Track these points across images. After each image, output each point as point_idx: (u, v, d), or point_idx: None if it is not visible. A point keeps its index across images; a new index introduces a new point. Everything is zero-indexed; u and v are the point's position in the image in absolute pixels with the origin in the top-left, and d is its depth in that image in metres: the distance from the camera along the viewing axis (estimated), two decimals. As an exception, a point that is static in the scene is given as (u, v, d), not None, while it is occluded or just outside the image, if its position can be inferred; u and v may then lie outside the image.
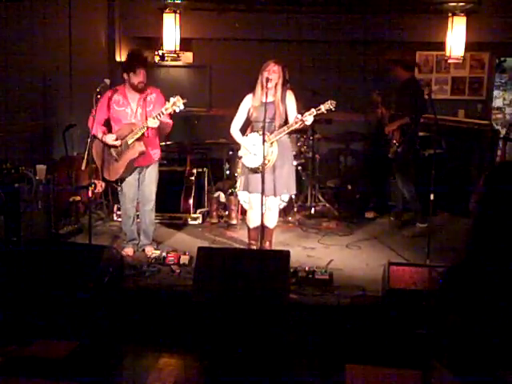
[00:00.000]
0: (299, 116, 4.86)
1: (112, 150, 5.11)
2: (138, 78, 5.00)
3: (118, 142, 5.04)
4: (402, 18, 7.64)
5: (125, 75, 5.05)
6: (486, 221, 1.86)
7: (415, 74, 6.21)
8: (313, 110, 4.81)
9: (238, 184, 5.32)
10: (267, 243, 5.19)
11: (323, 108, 4.80)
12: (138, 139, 4.99)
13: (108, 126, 5.19)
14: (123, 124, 5.07)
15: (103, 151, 5.14)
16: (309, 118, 4.82)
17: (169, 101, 4.85)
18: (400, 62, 6.12)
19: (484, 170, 6.72)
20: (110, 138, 5.05)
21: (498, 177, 1.89)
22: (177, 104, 4.82)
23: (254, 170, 4.95)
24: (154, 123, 4.89)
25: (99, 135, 5.05)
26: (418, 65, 6.09)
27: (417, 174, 6.14)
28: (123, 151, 5.06)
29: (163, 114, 4.87)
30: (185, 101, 4.85)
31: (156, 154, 5.24)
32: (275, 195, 5.04)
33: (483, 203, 1.90)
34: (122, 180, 5.21)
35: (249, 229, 5.25)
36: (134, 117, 5.08)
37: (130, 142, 5.00)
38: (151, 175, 5.24)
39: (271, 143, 4.86)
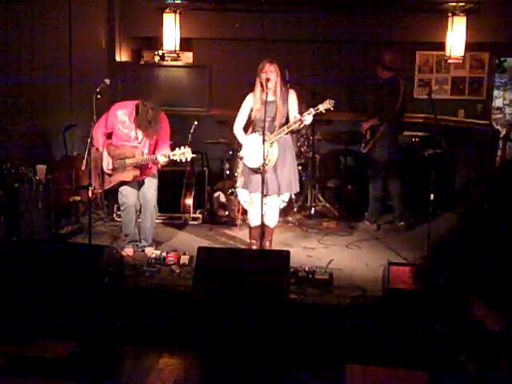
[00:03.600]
0: (298, 116, 4.87)
1: None
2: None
3: (109, 172, 5.07)
4: (402, 18, 7.64)
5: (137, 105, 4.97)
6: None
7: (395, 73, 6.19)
8: (311, 109, 4.83)
9: (238, 183, 5.33)
10: (267, 242, 5.20)
11: (321, 108, 4.81)
12: (136, 166, 5.01)
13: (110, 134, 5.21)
14: (127, 145, 5.05)
15: (100, 160, 5.12)
16: (308, 118, 4.83)
17: (179, 148, 4.92)
18: (379, 62, 6.14)
19: (486, 170, 6.74)
20: (107, 165, 5.06)
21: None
22: (185, 155, 4.90)
23: (255, 170, 4.96)
24: (163, 160, 4.95)
25: (100, 148, 5.08)
26: (396, 65, 6.06)
27: (405, 175, 6.22)
28: (118, 170, 5.07)
29: (169, 157, 4.91)
30: (194, 156, 4.99)
31: (152, 174, 5.23)
32: (278, 195, 5.06)
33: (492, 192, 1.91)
34: (114, 189, 5.24)
35: (250, 228, 5.26)
36: (138, 142, 5.07)
37: (127, 165, 5.01)
38: (151, 181, 5.24)
39: (271, 143, 4.87)
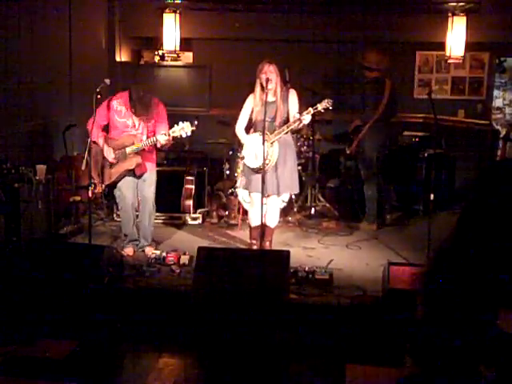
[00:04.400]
0: (297, 115, 4.87)
1: None
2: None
3: (114, 161, 5.08)
4: (402, 18, 7.64)
5: (130, 90, 5.06)
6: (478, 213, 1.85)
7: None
8: (310, 108, 4.83)
9: (238, 183, 5.33)
10: (267, 243, 5.20)
11: (320, 107, 4.82)
12: (137, 152, 5.03)
13: (106, 127, 5.22)
14: (125, 134, 5.09)
15: (100, 155, 5.13)
16: (306, 117, 4.83)
17: (177, 124, 4.91)
18: (362, 64, 6.12)
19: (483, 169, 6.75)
20: (109, 155, 5.08)
21: (496, 174, 1.88)
22: (185, 129, 4.90)
23: (256, 170, 4.96)
24: (164, 139, 4.94)
25: (100, 141, 5.08)
26: (380, 65, 6.04)
27: (405, 175, 6.20)
28: (120, 160, 5.09)
29: (169, 135, 4.92)
30: (194, 128, 4.94)
31: (151, 166, 5.25)
32: (278, 195, 5.06)
33: (478, 197, 1.89)
34: (116, 183, 5.22)
35: (250, 228, 5.26)
36: (136, 129, 5.10)
37: (128, 153, 5.04)
38: (150, 178, 5.25)
39: (271, 143, 4.87)
